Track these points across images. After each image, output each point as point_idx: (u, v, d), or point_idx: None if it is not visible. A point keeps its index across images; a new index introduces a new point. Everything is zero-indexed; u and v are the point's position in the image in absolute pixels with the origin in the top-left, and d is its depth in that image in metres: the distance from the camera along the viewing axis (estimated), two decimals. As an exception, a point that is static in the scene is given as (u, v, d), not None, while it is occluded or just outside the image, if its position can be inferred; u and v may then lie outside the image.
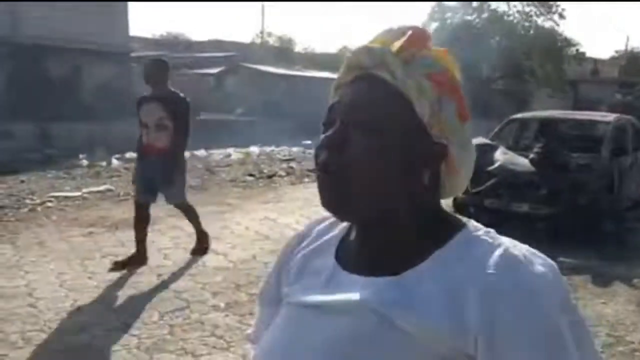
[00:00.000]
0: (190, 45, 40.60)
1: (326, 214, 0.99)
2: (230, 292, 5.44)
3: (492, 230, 0.90)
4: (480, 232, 0.89)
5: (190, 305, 5.09)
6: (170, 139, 5.85)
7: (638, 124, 9.97)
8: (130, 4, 24.76)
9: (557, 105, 23.68)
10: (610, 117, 9.31)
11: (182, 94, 5.94)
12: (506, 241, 0.87)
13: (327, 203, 0.90)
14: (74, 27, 20.46)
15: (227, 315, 4.89)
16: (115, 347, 4.25)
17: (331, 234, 1.02)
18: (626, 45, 55.98)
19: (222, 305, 5.11)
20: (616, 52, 56.95)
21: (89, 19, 21.04)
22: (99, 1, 21.24)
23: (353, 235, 0.98)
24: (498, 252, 0.84)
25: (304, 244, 1.06)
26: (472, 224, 0.92)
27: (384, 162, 0.85)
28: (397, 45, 0.88)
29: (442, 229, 0.90)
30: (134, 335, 4.44)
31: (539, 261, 0.83)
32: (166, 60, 6.47)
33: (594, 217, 7.52)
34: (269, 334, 0.99)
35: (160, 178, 5.85)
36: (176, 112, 5.81)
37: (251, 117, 24.85)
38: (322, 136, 0.90)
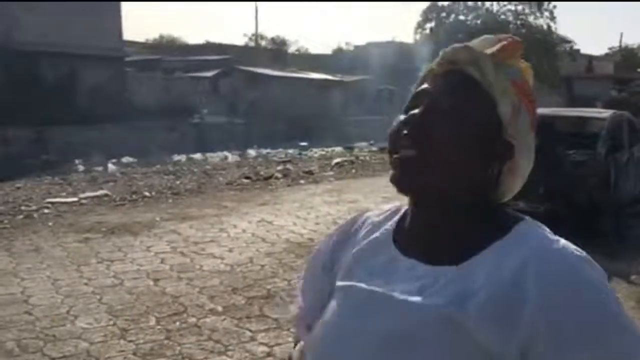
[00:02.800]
0: (184, 48, 40.55)
1: (379, 207, 1.12)
2: (227, 295, 5.41)
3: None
4: (539, 227, 0.93)
5: (187, 309, 5.07)
6: None
7: (633, 120, 9.97)
8: (123, 8, 24.72)
9: (552, 102, 23.70)
10: (606, 113, 9.30)
11: None
12: (561, 239, 0.90)
13: (400, 174, 0.94)
14: (68, 32, 20.43)
15: (224, 319, 4.86)
16: (112, 353, 4.22)
17: (388, 225, 1.06)
18: (620, 42, 56.17)
19: (220, 309, 5.09)
20: (610, 48, 57.19)
21: (83, 24, 21.01)
22: (92, 1, 21.22)
23: (410, 221, 1.01)
24: (558, 247, 0.87)
25: (362, 233, 1.09)
26: (529, 219, 0.95)
27: (461, 146, 0.91)
28: (494, 49, 0.96)
29: (501, 221, 0.94)
30: (131, 341, 4.42)
31: (589, 259, 0.87)
32: None
33: (591, 214, 7.51)
34: (327, 316, 1.01)
35: None
36: None
37: (247, 119, 24.80)
38: (403, 116, 0.96)
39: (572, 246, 0.88)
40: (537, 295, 0.82)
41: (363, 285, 0.98)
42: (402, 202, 1.05)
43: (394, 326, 0.90)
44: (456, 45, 0.98)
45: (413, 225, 1.00)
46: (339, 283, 1.04)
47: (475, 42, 1.00)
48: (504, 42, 0.97)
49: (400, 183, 0.94)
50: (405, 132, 0.93)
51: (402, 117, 0.97)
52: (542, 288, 0.82)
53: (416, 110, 0.94)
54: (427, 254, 0.94)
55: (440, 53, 0.99)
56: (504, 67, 0.95)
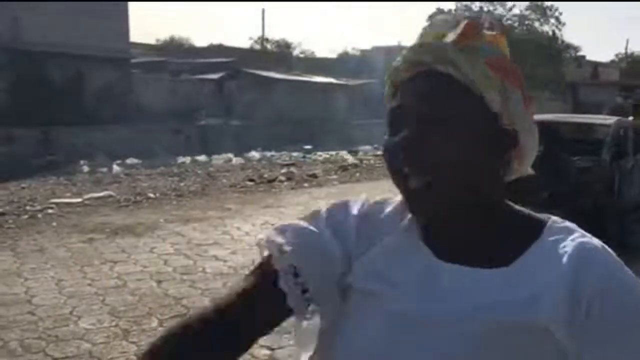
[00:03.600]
0: (190, 50, 40.65)
1: (383, 196, 1.03)
2: (231, 298, 5.41)
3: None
4: (566, 224, 0.91)
5: (189, 311, 5.06)
6: None
7: (638, 127, 9.95)
8: (131, 9, 24.78)
9: (557, 109, 23.66)
10: (611, 120, 9.28)
11: None
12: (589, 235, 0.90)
13: (417, 206, 0.88)
14: (75, 33, 20.50)
15: (227, 322, 4.86)
16: (114, 355, 4.23)
17: (406, 221, 0.95)
18: (626, 49, 56.14)
19: (222, 311, 5.08)
20: (616, 55, 57.07)
21: (90, 25, 21.08)
22: (100, 0, 21.30)
23: (436, 226, 0.92)
24: (593, 246, 0.86)
25: (384, 229, 0.96)
26: (555, 217, 0.93)
27: (463, 154, 0.85)
28: (454, 37, 0.88)
29: (529, 219, 0.92)
30: (133, 342, 4.42)
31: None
32: None
33: (596, 220, 7.48)
34: (364, 339, 0.89)
35: None
36: None
37: (251, 121, 24.83)
38: (393, 138, 0.87)
39: (600, 243, 0.88)
40: (600, 290, 0.82)
41: (408, 297, 0.88)
42: None
43: (467, 339, 0.83)
44: (415, 45, 0.91)
45: (441, 229, 0.91)
46: (367, 287, 0.91)
47: (431, 28, 0.91)
48: (464, 23, 0.88)
49: (421, 213, 0.89)
50: (404, 158, 0.85)
51: (389, 137, 0.88)
52: (604, 284, 0.82)
53: (406, 133, 0.85)
54: (467, 256, 0.88)
55: (400, 57, 0.92)
56: (473, 50, 0.87)
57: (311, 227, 0.95)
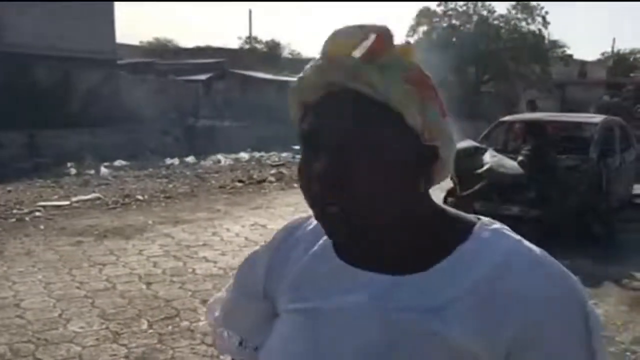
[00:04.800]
0: (178, 51, 40.51)
1: (304, 215, 1.01)
2: (221, 299, 5.40)
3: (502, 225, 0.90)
4: (496, 226, 0.89)
5: (179, 313, 5.06)
6: None
7: (625, 125, 10.03)
8: (116, 11, 24.68)
9: (545, 107, 23.79)
10: (598, 118, 9.35)
11: None
12: (518, 237, 0.87)
13: (331, 231, 0.85)
14: (61, 35, 20.37)
15: (217, 323, 4.85)
16: (104, 357, 4.21)
17: (325, 237, 0.93)
18: (613, 47, 56.50)
19: (213, 312, 5.07)
20: (603, 54, 57.49)
21: (75, 27, 20.95)
22: (85, 1, 21.18)
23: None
24: (525, 248, 0.85)
25: (298, 250, 0.98)
26: (483, 217, 0.91)
27: (386, 180, 0.81)
28: (365, 51, 0.81)
29: (458, 223, 0.89)
30: (123, 345, 4.41)
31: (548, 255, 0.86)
32: None
33: (584, 219, 7.54)
34: (279, 343, 0.92)
35: None
36: None
37: (240, 122, 24.79)
38: (310, 162, 0.83)
39: (531, 244, 0.86)
40: (521, 302, 0.79)
41: (319, 304, 0.89)
42: None
43: (369, 343, 0.82)
44: (321, 62, 0.83)
45: (359, 239, 0.86)
46: (288, 306, 0.93)
47: (335, 41, 0.83)
48: (375, 36, 0.81)
49: (336, 237, 0.87)
50: (322, 185, 0.80)
51: (305, 160, 0.84)
52: (526, 295, 0.79)
53: (324, 160, 0.80)
54: (383, 263, 0.87)
55: (303, 76, 0.85)
56: (386, 65, 0.80)
57: (227, 303, 1.07)
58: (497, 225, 0.89)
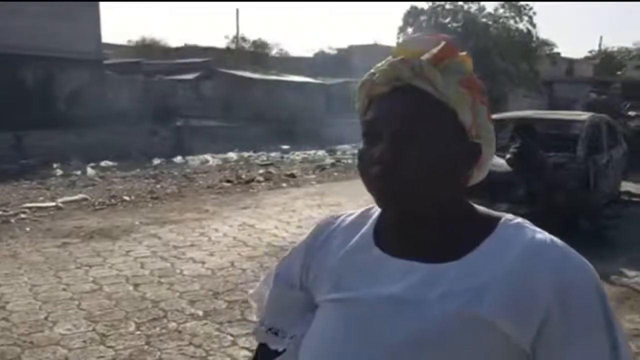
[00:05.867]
0: (165, 51, 40.33)
1: (342, 211, 1.13)
2: (208, 300, 5.36)
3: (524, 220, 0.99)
4: (519, 220, 0.98)
5: (167, 314, 5.01)
6: None
7: (612, 122, 10.07)
8: (104, 11, 24.53)
9: (532, 105, 23.91)
10: (585, 115, 9.38)
11: None
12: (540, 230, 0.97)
13: (389, 206, 0.96)
14: (46, 35, 20.22)
15: (205, 324, 4.82)
16: (91, 359, 4.16)
17: (365, 229, 1.05)
18: (600, 45, 56.84)
19: (200, 313, 5.04)
20: (590, 52, 57.90)
21: (61, 27, 20.81)
22: (70, 1, 21.03)
23: (392, 224, 1.01)
24: (547, 239, 0.94)
25: (336, 242, 1.06)
26: (508, 214, 1.00)
27: (435, 169, 0.91)
28: (432, 55, 0.93)
29: (484, 218, 0.99)
30: (110, 347, 4.36)
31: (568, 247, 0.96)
32: None
33: (572, 216, 7.56)
34: (321, 333, 0.99)
35: None
36: None
37: (228, 122, 24.71)
38: (369, 150, 0.94)
39: (549, 235, 0.95)
40: (548, 283, 0.88)
41: (363, 293, 0.96)
42: (374, 204, 1.03)
43: (413, 330, 0.90)
44: (392, 60, 0.95)
45: (398, 228, 0.99)
46: (329, 296, 1.01)
47: (409, 46, 0.97)
48: (443, 44, 0.95)
49: (390, 213, 0.98)
50: (379, 171, 0.92)
51: (365, 147, 0.95)
52: (551, 277, 0.88)
53: (383, 147, 0.91)
54: (420, 253, 0.95)
55: (376, 71, 0.97)
56: (448, 69, 0.93)
57: (289, 262, 1.12)
58: (520, 219, 0.98)
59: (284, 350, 1.07)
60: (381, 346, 0.91)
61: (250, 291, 1.21)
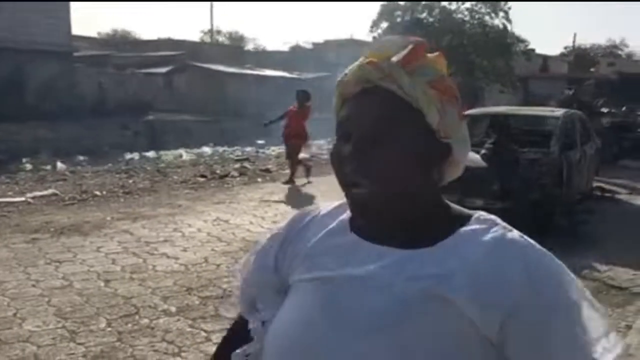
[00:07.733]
0: (137, 43, 39.84)
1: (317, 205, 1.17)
2: (182, 296, 5.28)
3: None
4: (491, 217, 1.01)
5: (139, 310, 4.92)
6: None
7: (585, 119, 10.18)
8: (74, 2, 24.14)
9: (507, 101, 24.09)
10: (559, 112, 9.47)
11: None
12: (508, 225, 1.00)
13: (355, 211, 1.00)
14: (15, 26, 19.83)
15: (178, 320, 4.74)
16: (61, 357, 4.07)
17: (342, 217, 1.08)
18: (574, 42, 57.56)
19: (173, 309, 4.96)
20: (565, 48, 58.67)
21: (30, 18, 20.43)
22: (39, 0, 20.63)
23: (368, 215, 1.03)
24: (511, 235, 0.96)
25: (313, 229, 1.09)
26: (481, 212, 1.03)
27: (404, 169, 0.95)
28: (401, 57, 0.96)
29: (458, 211, 1.03)
30: (81, 344, 4.27)
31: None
32: None
33: (545, 211, 7.62)
34: (292, 311, 1.01)
35: None
36: None
37: (203, 116, 24.50)
38: (341, 147, 0.97)
39: (517, 232, 0.99)
40: (516, 279, 0.90)
41: (336, 273, 1.00)
42: None
43: (378, 308, 0.93)
44: (363, 62, 0.98)
45: (373, 217, 1.00)
46: (303, 276, 1.04)
47: (379, 48, 1.00)
48: (411, 46, 0.97)
49: (358, 214, 1.00)
50: (347, 169, 0.96)
51: (338, 145, 0.98)
52: (519, 273, 0.90)
53: (353, 146, 0.95)
54: (393, 240, 0.98)
55: (347, 71, 1.00)
56: (417, 72, 0.96)
57: (245, 272, 1.17)
58: (492, 217, 1.01)
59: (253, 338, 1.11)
60: (349, 324, 0.94)
61: (236, 266, 1.23)
